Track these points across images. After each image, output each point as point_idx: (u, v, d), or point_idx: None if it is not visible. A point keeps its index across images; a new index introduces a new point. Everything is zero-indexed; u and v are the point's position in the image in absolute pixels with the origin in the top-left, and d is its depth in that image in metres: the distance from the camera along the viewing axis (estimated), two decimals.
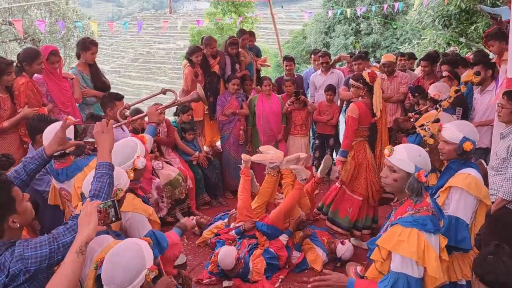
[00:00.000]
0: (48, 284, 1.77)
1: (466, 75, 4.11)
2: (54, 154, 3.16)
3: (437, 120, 3.83)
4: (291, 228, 4.41)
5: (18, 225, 1.90)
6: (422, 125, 3.98)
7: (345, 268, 3.19)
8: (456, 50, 9.24)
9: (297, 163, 4.74)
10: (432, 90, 4.64)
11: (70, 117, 3.38)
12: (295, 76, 6.82)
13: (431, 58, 5.94)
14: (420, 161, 2.30)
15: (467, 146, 2.80)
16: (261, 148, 5.05)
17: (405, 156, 2.31)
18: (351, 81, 4.61)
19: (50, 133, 3.17)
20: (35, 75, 4.49)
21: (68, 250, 1.86)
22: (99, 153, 2.25)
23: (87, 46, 4.89)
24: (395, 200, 2.47)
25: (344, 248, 4.30)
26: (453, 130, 2.88)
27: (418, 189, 2.30)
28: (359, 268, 2.97)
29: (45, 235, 1.91)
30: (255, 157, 4.92)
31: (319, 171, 5.00)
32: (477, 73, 4.06)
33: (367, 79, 4.39)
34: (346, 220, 4.63)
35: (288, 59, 6.75)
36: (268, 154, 4.82)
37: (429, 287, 2.22)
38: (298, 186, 4.58)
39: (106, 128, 2.29)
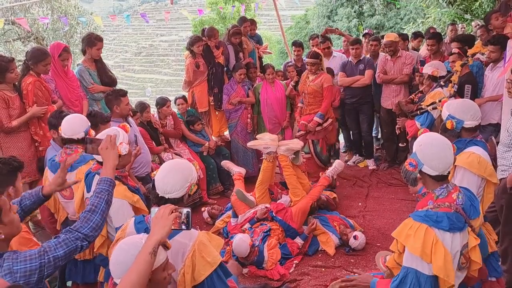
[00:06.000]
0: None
1: (474, 46, 4.05)
2: (77, 137, 3.23)
3: (454, 95, 3.79)
4: (306, 233, 4.41)
5: (3, 236, 1.83)
6: (433, 103, 3.95)
7: (375, 257, 3.14)
8: (464, 28, 9.10)
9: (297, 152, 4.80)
10: (429, 69, 4.60)
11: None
12: (303, 61, 6.78)
13: (437, 37, 5.86)
14: (419, 151, 2.24)
15: (448, 124, 2.86)
16: (258, 135, 5.11)
17: (415, 142, 2.31)
18: (309, 60, 5.44)
19: (68, 123, 3.31)
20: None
21: (59, 263, 1.87)
22: (103, 168, 2.29)
23: (92, 41, 4.88)
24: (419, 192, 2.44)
25: (356, 243, 4.29)
26: (444, 108, 2.96)
27: (408, 177, 2.28)
28: (388, 258, 2.93)
29: (35, 248, 1.89)
30: (251, 143, 4.99)
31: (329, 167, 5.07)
32: (486, 43, 3.99)
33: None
34: None
35: (296, 44, 6.73)
36: (263, 140, 4.85)
37: (443, 286, 2.12)
38: (323, 181, 4.80)
39: (110, 144, 2.32)
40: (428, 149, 2.22)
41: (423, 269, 2.10)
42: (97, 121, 3.78)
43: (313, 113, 5.71)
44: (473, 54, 3.94)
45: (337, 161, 5.17)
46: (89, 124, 3.38)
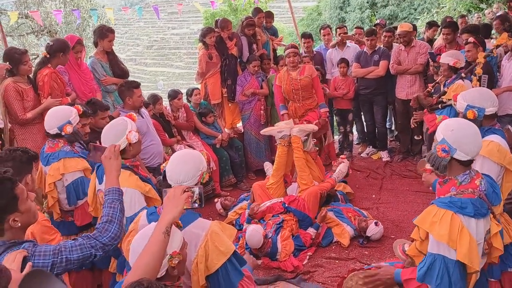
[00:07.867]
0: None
1: (501, 37, 3.94)
2: (51, 132, 3.20)
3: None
4: (318, 222, 4.39)
5: (20, 225, 1.83)
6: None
7: (392, 246, 3.11)
8: (479, 17, 8.92)
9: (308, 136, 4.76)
10: (449, 59, 4.49)
11: None
12: (314, 53, 6.73)
13: (453, 26, 5.76)
14: (450, 136, 2.18)
15: (469, 114, 2.77)
16: (274, 125, 5.08)
17: (440, 128, 2.25)
18: (292, 50, 5.25)
19: (47, 116, 3.28)
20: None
21: (70, 267, 1.87)
22: (106, 178, 2.29)
23: (104, 33, 4.89)
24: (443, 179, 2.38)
25: (376, 230, 4.25)
26: (460, 100, 2.89)
27: (438, 164, 2.20)
28: (407, 246, 2.85)
29: (56, 236, 1.92)
30: (264, 130, 4.99)
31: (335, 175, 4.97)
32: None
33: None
34: None
35: (306, 36, 6.68)
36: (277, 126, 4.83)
37: (468, 271, 2.14)
38: (330, 181, 4.76)
39: (114, 154, 2.31)
40: (462, 133, 2.17)
41: (450, 255, 2.10)
42: (96, 108, 3.91)
43: (312, 107, 5.49)
44: (497, 46, 3.84)
45: (341, 164, 5.11)
46: (69, 119, 3.22)
